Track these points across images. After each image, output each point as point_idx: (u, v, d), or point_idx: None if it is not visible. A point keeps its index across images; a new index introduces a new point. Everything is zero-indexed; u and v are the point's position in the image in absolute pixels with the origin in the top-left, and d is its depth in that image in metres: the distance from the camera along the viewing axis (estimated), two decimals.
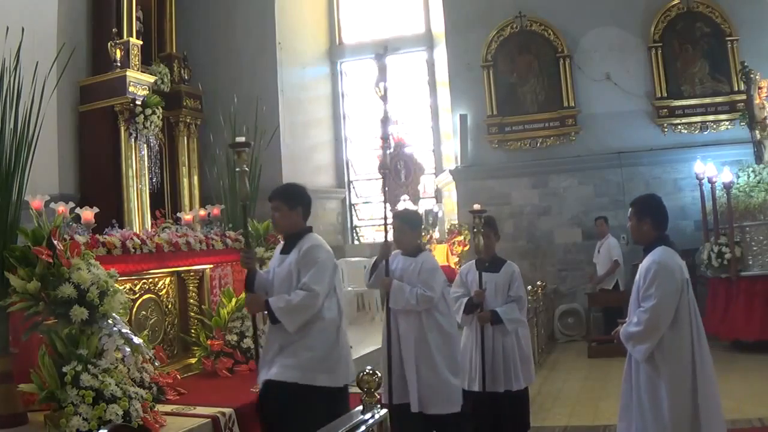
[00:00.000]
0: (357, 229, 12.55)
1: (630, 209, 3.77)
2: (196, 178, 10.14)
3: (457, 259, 9.67)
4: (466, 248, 9.80)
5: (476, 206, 4.83)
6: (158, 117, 8.72)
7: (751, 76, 8.49)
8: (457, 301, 4.71)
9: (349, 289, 9.11)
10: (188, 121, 10.16)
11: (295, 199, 3.88)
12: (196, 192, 10.13)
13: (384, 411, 2.81)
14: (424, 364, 4.27)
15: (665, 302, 3.42)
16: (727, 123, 9.73)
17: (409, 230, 4.54)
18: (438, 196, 11.72)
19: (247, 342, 6.12)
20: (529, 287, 8.24)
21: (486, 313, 4.58)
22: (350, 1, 12.69)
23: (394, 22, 12.42)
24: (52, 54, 5.98)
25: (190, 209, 8.94)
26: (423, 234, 9.35)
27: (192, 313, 6.28)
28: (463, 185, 10.64)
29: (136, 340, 4.23)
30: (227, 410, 4.50)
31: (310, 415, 3.39)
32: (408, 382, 4.29)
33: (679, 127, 9.89)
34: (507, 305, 4.66)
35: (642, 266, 3.62)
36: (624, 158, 9.93)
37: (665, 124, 9.90)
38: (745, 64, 8.76)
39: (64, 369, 3.80)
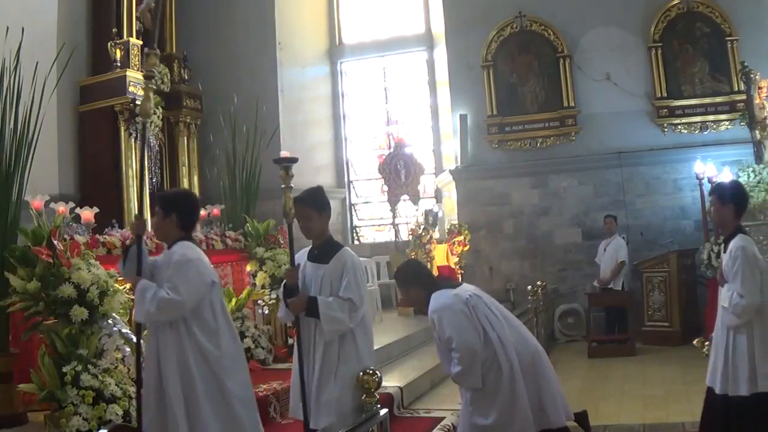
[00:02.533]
0: (357, 229, 12.55)
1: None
2: (196, 178, 10.14)
3: (457, 260, 9.67)
4: (467, 248, 9.80)
5: (284, 153, 3.76)
6: (158, 117, 8.73)
7: (751, 76, 8.48)
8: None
9: None
10: (188, 121, 10.16)
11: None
12: (196, 192, 10.13)
13: (384, 411, 2.81)
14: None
15: None
16: (727, 123, 9.73)
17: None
18: (438, 196, 11.72)
19: (247, 342, 6.13)
20: (529, 287, 8.25)
21: (299, 299, 3.57)
22: (350, 1, 12.69)
23: (394, 22, 12.41)
24: (52, 54, 5.98)
25: None
26: (423, 234, 9.35)
27: None
28: (463, 185, 10.65)
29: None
30: None
31: None
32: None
33: (679, 127, 9.89)
34: (334, 299, 3.53)
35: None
36: (624, 158, 9.93)
37: (665, 124, 9.90)
38: (745, 64, 8.75)
39: (64, 369, 3.80)
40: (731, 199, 3.78)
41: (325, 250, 3.68)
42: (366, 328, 3.67)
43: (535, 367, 3.68)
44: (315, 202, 3.70)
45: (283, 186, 3.70)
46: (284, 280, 3.72)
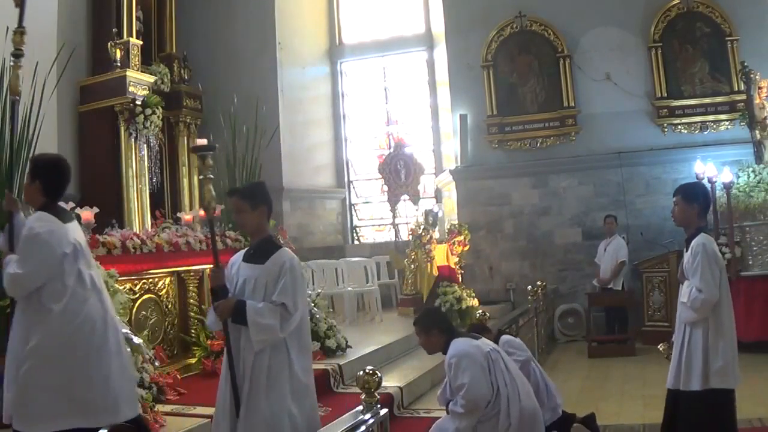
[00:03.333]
0: (357, 229, 12.55)
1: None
2: (196, 178, 10.15)
3: (457, 260, 9.67)
4: (467, 248, 9.80)
5: (200, 141, 3.63)
6: (158, 117, 8.74)
7: (751, 76, 8.48)
8: None
9: (349, 289, 9.11)
10: (188, 121, 10.17)
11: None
12: (196, 192, 10.14)
13: (384, 411, 2.81)
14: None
15: None
16: (727, 123, 9.73)
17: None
18: (438, 196, 11.72)
19: None
20: (529, 287, 8.25)
21: (226, 302, 3.27)
22: (350, 1, 12.69)
23: (394, 22, 12.42)
24: (52, 54, 5.98)
25: (190, 209, 8.96)
26: (423, 234, 9.35)
27: (192, 313, 6.28)
28: (463, 185, 10.64)
29: (136, 340, 4.23)
30: None
31: None
32: None
33: (679, 127, 9.88)
34: (265, 304, 3.20)
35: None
36: (624, 158, 9.93)
37: (665, 124, 9.90)
38: (745, 64, 8.75)
39: None
40: (696, 199, 3.83)
41: (262, 249, 3.36)
42: (301, 339, 3.29)
43: (533, 426, 3.80)
44: (248, 194, 3.39)
45: (201, 177, 3.54)
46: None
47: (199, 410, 4.49)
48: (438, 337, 3.91)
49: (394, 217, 11.03)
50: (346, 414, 2.81)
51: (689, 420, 3.64)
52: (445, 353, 3.88)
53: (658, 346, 4.94)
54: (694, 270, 3.63)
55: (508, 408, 3.68)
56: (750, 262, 7.97)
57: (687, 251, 3.78)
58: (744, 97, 8.86)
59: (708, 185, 8.37)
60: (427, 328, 3.96)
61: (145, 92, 8.72)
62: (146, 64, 9.43)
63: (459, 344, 3.79)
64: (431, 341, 3.95)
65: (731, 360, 3.62)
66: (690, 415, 3.63)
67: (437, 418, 5.20)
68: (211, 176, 3.48)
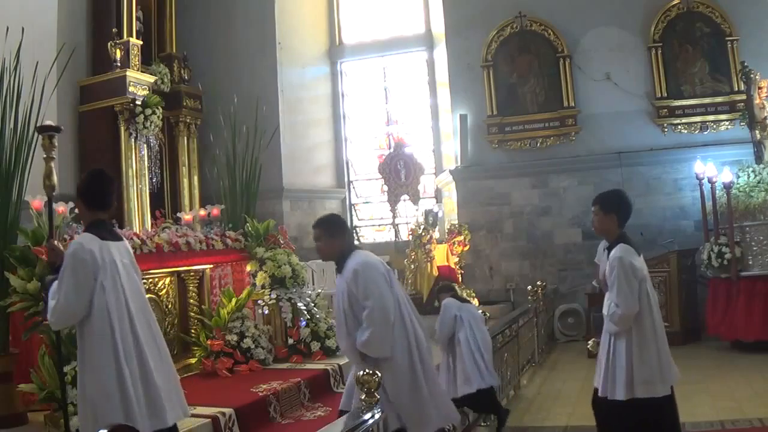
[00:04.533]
0: (357, 229, 12.55)
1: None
2: (196, 178, 10.16)
3: (457, 260, 9.67)
4: (467, 248, 9.81)
5: (48, 121, 3.80)
6: (158, 117, 8.74)
7: (751, 76, 8.47)
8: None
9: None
10: (188, 121, 10.17)
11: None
12: (196, 192, 10.15)
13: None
14: None
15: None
16: (727, 123, 9.72)
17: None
18: (438, 196, 11.72)
19: (247, 342, 6.13)
20: (529, 287, 8.25)
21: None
22: (350, 1, 12.69)
23: (394, 22, 12.42)
24: (52, 54, 5.99)
25: (190, 209, 8.96)
26: (423, 234, 9.36)
27: (192, 313, 6.29)
28: (463, 185, 10.64)
29: None
30: (227, 410, 4.50)
31: None
32: None
33: (679, 127, 9.88)
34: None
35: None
36: (624, 158, 9.92)
37: (665, 124, 9.89)
38: (745, 64, 8.75)
39: (64, 369, 3.79)
40: (614, 208, 3.83)
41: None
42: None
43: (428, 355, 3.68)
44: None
45: (44, 156, 3.64)
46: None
47: (199, 410, 4.49)
48: (340, 242, 3.68)
49: (394, 217, 11.03)
50: (346, 414, 2.81)
51: (616, 429, 3.66)
52: (337, 262, 3.69)
53: (587, 344, 5.02)
54: (611, 284, 3.64)
55: (411, 327, 3.56)
56: (750, 262, 7.97)
57: (607, 258, 3.77)
58: (744, 97, 8.86)
59: (708, 185, 8.41)
60: (332, 230, 3.72)
61: (145, 92, 8.72)
62: (146, 64, 9.43)
63: (362, 256, 3.64)
64: (333, 245, 3.69)
65: (657, 368, 3.61)
66: (617, 423, 3.64)
67: None
68: (54, 156, 3.67)
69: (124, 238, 3.54)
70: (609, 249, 3.77)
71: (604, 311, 3.71)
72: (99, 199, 3.38)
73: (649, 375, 3.57)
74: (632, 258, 3.70)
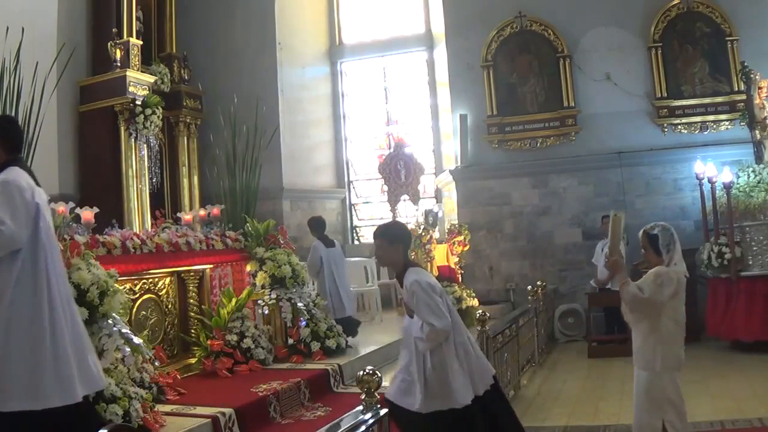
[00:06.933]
0: (357, 229, 12.56)
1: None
2: (196, 178, 10.16)
3: (457, 260, 9.67)
4: (467, 248, 9.80)
5: None
6: (158, 117, 8.75)
7: (751, 76, 8.47)
8: None
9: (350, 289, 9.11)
10: (188, 121, 10.18)
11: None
12: (196, 192, 10.15)
13: (384, 411, 2.81)
14: None
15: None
16: (727, 123, 9.73)
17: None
18: (438, 196, 11.72)
19: (247, 342, 6.12)
20: (529, 287, 8.25)
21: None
22: (350, 1, 12.69)
23: (394, 22, 12.42)
24: (52, 54, 5.99)
25: (190, 209, 8.97)
26: (423, 234, 9.35)
27: (192, 313, 6.28)
28: (463, 185, 10.64)
29: (136, 340, 4.23)
30: (227, 410, 4.49)
31: None
32: None
33: (679, 127, 9.88)
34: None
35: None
36: (624, 158, 9.93)
37: (665, 124, 9.89)
38: (745, 64, 8.75)
39: None
40: (398, 239, 3.79)
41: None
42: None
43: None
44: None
45: None
46: None
47: (199, 410, 4.50)
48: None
49: (394, 217, 11.02)
50: (346, 414, 2.81)
51: None
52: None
53: None
54: (417, 308, 3.61)
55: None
56: (750, 262, 7.97)
57: (402, 287, 3.76)
58: (744, 97, 8.86)
59: (708, 185, 8.41)
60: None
61: (145, 92, 8.73)
62: (146, 64, 9.43)
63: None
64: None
65: (450, 384, 3.57)
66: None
67: None
68: None
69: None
70: (399, 277, 3.79)
71: (416, 333, 3.62)
72: (18, 140, 3.39)
73: (441, 389, 3.53)
74: (427, 278, 3.71)
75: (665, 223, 4.24)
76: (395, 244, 3.76)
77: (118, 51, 8.64)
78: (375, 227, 3.96)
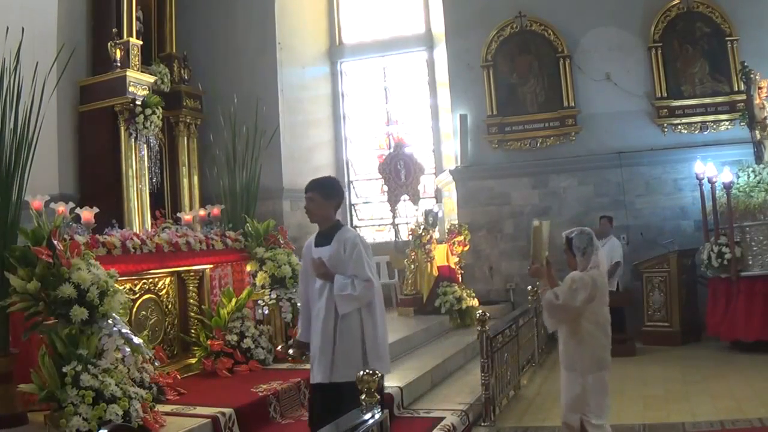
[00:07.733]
0: (357, 229, 12.55)
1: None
2: (196, 178, 10.16)
3: (457, 260, 9.67)
4: (467, 248, 9.80)
5: None
6: (158, 117, 8.74)
7: (751, 76, 8.48)
8: None
9: None
10: (188, 121, 10.18)
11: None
12: (196, 192, 10.15)
13: (384, 411, 2.81)
14: None
15: None
16: (727, 123, 9.72)
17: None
18: (438, 196, 11.72)
19: (247, 342, 6.13)
20: (529, 287, 8.24)
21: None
22: (350, 1, 12.69)
23: (394, 22, 12.42)
24: (52, 54, 5.98)
25: (190, 209, 8.96)
26: (423, 234, 9.34)
27: (192, 313, 6.28)
28: (463, 185, 10.64)
29: (136, 340, 4.23)
30: (227, 410, 4.49)
31: None
32: None
33: (679, 127, 9.88)
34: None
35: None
36: (624, 158, 9.93)
37: (665, 124, 9.89)
38: (745, 64, 8.75)
39: (64, 369, 3.79)
40: (334, 195, 3.82)
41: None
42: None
43: None
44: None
45: None
46: None
47: (199, 410, 4.50)
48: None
49: (394, 217, 11.02)
50: (346, 414, 2.81)
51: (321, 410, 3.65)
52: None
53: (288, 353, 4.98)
54: (358, 263, 3.63)
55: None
56: (750, 262, 7.97)
57: (330, 245, 3.72)
58: (744, 97, 8.86)
59: (708, 185, 8.41)
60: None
61: (145, 92, 8.72)
62: (146, 64, 9.43)
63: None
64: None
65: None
66: (320, 405, 3.67)
67: (437, 417, 5.22)
68: None
69: None
70: (323, 234, 3.79)
71: (339, 291, 3.65)
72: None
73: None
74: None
75: (586, 228, 4.35)
76: (330, 200, 3.77)
77: (118, 51, 8.64)
78: (374, 227, 4.02)
